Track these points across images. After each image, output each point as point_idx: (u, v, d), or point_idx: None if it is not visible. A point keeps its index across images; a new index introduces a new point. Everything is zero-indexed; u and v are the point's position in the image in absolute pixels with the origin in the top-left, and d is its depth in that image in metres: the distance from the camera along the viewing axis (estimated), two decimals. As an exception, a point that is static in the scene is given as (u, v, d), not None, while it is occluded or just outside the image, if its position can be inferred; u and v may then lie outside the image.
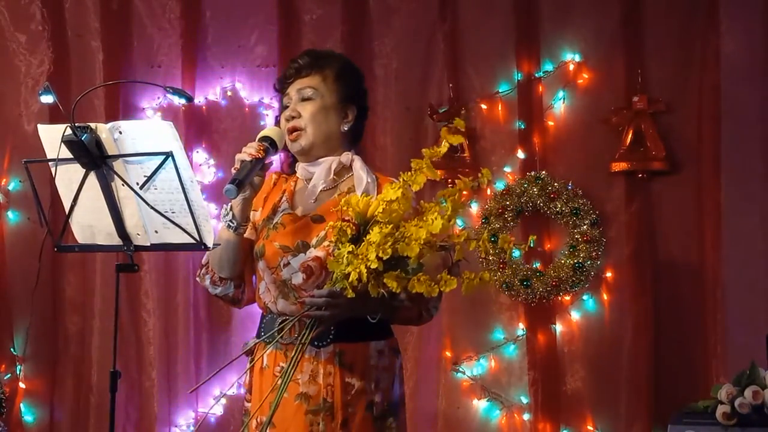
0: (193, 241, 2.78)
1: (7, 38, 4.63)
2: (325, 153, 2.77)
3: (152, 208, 2.74)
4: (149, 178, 2.72)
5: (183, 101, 3.40)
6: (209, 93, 4.58)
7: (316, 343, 2.62)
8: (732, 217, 4.16)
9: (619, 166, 4.28)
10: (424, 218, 2.42)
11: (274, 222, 2.74)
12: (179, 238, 2.77)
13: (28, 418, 4.59)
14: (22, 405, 4.58)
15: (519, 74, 4.38)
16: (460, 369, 4.39)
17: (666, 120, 4.29)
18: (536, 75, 4.38)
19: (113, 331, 2.95)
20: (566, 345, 4.35)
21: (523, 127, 4.38)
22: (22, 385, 4.58)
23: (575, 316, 4.35)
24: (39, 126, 2.81)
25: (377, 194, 2.65)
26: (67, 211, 2.85)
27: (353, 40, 4.44)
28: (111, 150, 2.72)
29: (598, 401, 4.31)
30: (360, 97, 2.85)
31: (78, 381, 4.60)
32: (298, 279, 2.65)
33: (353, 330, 2.63)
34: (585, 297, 4.33)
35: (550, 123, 4.39)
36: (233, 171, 2.61)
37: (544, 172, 4.32)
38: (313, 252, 2.65)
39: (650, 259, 4.28)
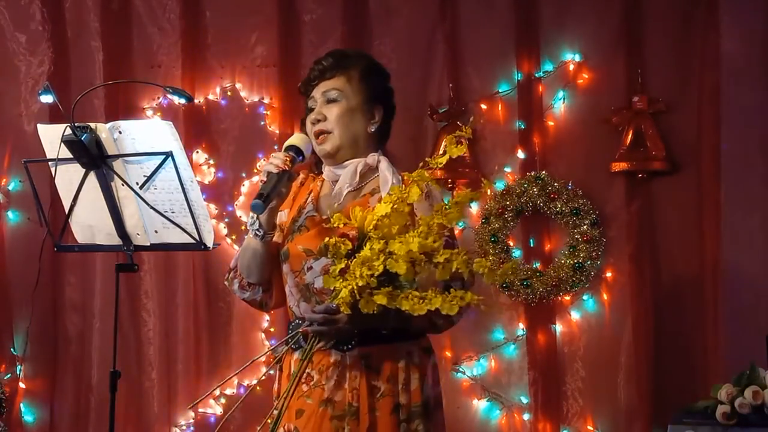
0: (193, 241, 2.79)
1: (7, 38, 4.63)
2: (353, 155, 2.71)
3: (152, 208, 2.74)
4: (149, 178, 2.73)
5: (183, 101, 3.40)
6: (209, 93, 4.58)
7: (341, 347, 2.60)
8: (732, 217, 4.16)
9: (619, 166, 4.28)
10: (407, 235, 2.39)
11: (298, 224, 2.70)
12: (179, 237, 2.78)
13: (28, 418, 4.59)
14: (22, 405, 4.58)
15: (519, 74, 4.38)
16: (460, 369, 4.39)
17: (666, 120, 4.29)
18: (536, 75, 4.38)
19: (113, 331, 2.95)
20: (566, 345, 4.35)
21: (523, 127, 4.38)
22: (22, 385, 4.58)
23: (575, 316, 4.35)
24: (39, 126, 2.82)
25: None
26: (66, 211, 2.85)
27: (353, 40, 4.44)
28: (111, 150, 2.72)
29: (598, 401, 4.31)
30: (386, 96, 2.81)
31: (78, 381, 4.60)
32: (320, 282, 2.59)
33: (379, 332, 2.59)
34: (585, 297, 4.33)
35: (550, 123, 4.38)
36: (260, 183, 2.58)
37: (544, 172, 4.32)
38: None
39: (650, 259, 4.28)
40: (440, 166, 2.51)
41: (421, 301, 2.38)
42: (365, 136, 2.73)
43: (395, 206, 2.43)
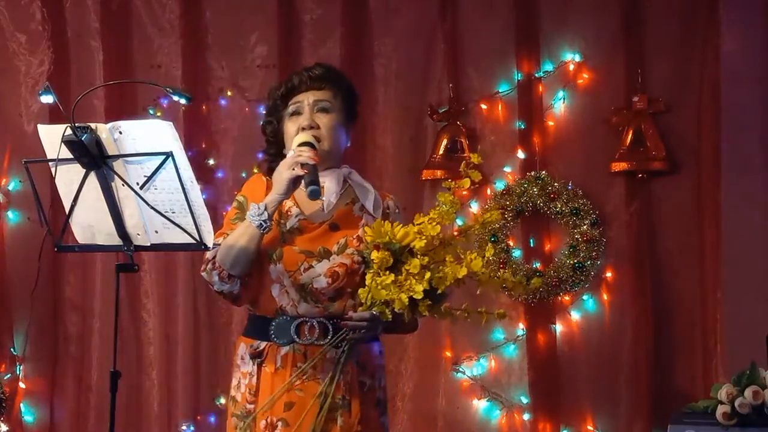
0: (193, 241, 2.78)
1: (7, 38, 4.63)
2: (333, 165, 2.85)
3: (152, 208, 2.73)
4: (149, 178, 2.72)
5: (183, 101, 3.39)
6: (209, 93, 4.58)
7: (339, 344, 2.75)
8: (732, 217, 4.16)
9: (619, 166, 4.28)
10: (463, 257, 2.61)
11: (290, 227, 2.79)
12: (179, 238, 2.77)
13: (28, 418, 4.59)
14: (22, 405, 4.58)
15: (519, 74, 4.38)
16: (460, 369, 4.39)
17: (666, 120, 4.29)
18: (536, 75, 4.38)
19: (113, 331, 2.95)
20: (566, 345, 4.35)
21: (523, 127, 4.38)
22: (22, 385, 4.58)
23: (575, 316, 4.35)
24: (39, 126, 2.81)
25: (382, 206, 2.85)
26: (67, 211, 2.84)
27: (353, 40, 4.44)
28: (111, 150, 2.71)
29: (598, 401, 4.31)
30: (355, 120, 2.96)
31: (78, 381, 4.60)
32: (321, 283, 2.74)
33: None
34: (585, 297, 4.33)
35: (550, 123, 4.39)
36: (299, 173, 2.64)
37: (544, 172, 4.32)
38: (337, 259, 2.76)
39: (650, 259, 4.28)
40: (463, 189, 2.74)
41: (459, 313, 2.66)
42: (342, 150, 2.89)
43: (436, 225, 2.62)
